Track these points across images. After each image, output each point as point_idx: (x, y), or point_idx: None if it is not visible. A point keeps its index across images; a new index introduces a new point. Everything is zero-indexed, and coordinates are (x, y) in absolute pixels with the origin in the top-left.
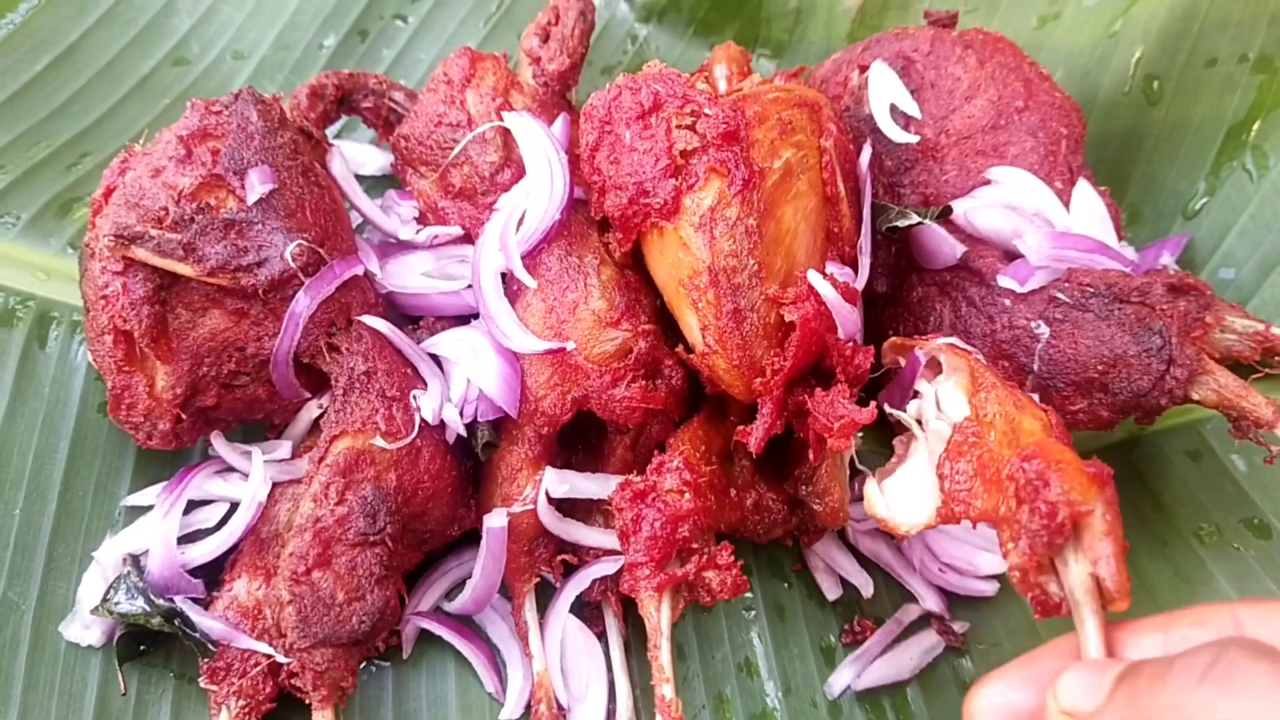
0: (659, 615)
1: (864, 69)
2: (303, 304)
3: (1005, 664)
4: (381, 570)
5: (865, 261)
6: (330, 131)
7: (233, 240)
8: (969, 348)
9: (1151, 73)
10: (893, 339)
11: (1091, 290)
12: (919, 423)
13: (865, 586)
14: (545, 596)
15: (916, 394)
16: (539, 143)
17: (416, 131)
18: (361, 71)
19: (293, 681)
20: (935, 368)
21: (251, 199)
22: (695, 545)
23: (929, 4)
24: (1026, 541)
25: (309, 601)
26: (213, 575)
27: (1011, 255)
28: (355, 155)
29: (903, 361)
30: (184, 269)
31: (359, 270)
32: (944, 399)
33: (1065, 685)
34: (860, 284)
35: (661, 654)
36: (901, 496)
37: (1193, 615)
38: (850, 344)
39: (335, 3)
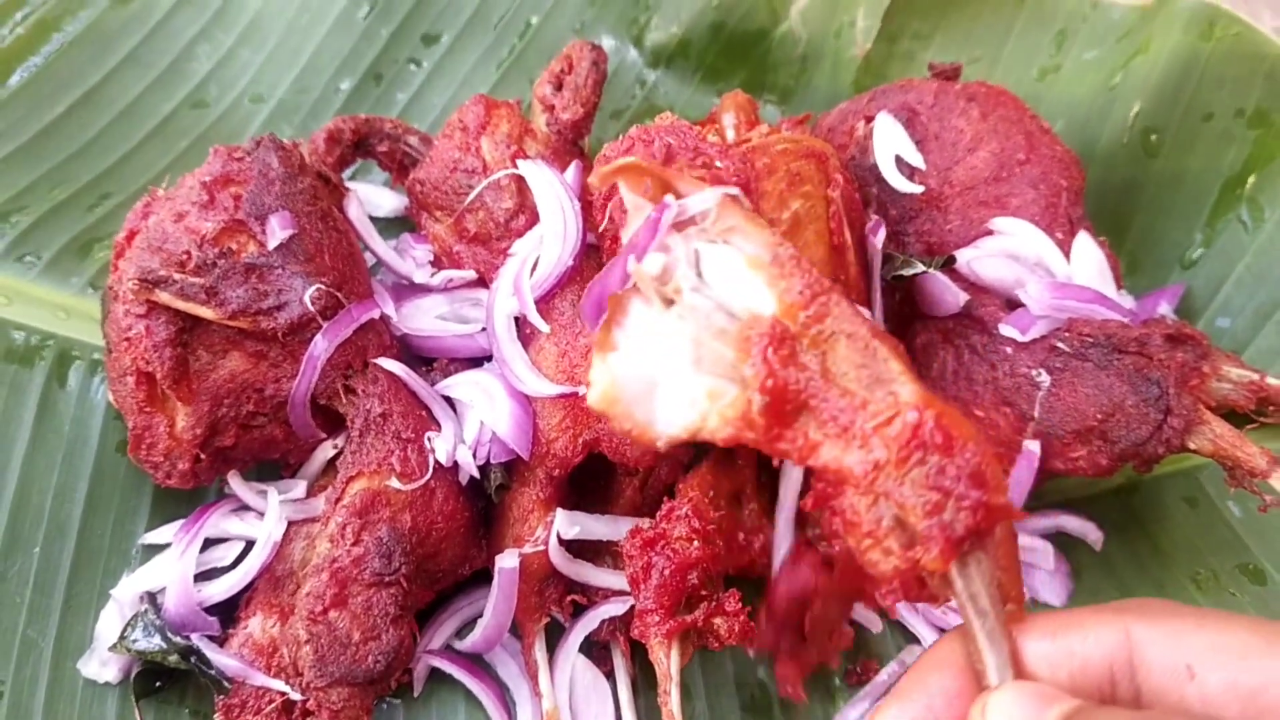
0: (669, 661)
1: (869, 119)
2: (320, 347)
3: (899, 685)
4: (396, 610)
5: (878, 316)
6: (345, 174)
7: (253, 284)
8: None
9: (1150, 126)
10: (622, 163)
11: (1091, 340)
12: (668, 294)
13: (874, 624)
14: (554, 636)
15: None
16: (552, 190)
17: (432, 177)
18: (377, 116)
19: (309, 719)
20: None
21: (272, 244)
22: (704, 592)
23: (933, 55)
24: (942, 542)
25: (326, 641)
26: (227, 613)
27: (1013, 304)
28: (370, 197)
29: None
30: (206, 312)
31: (375, 314)
32: (710, 266)
33: (1000, 712)
34: None
35: (671, 700)
36: (634, 385)
37: (1082, 626)
38: None
39: (351, 47)
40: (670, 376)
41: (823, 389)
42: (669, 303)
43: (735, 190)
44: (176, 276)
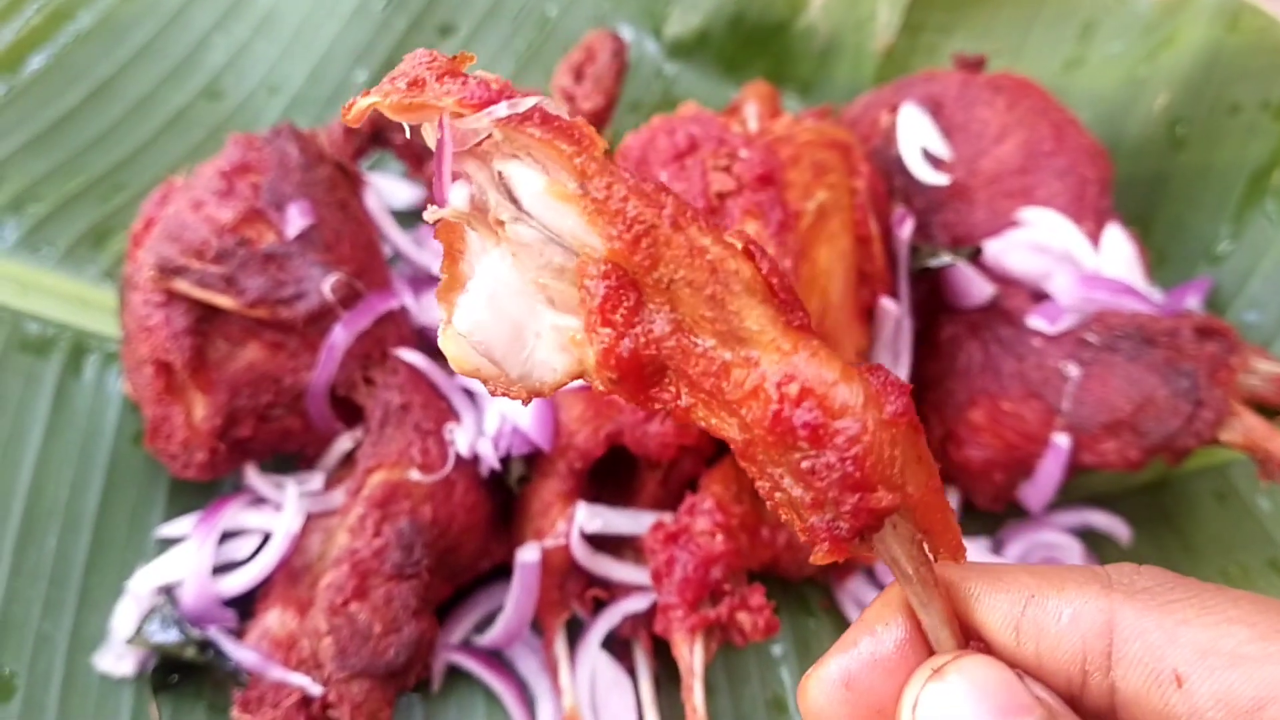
0: (692, 657)
1: (894, 110)
2: (340, 337)
3: (846, 634)
4: (417, 603)
5: (908, 325)
6: (362, 165)
7: (272, 273)
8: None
9: (1176, 118)
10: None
11: (1121, 332)
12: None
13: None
14: (574, 632)
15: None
16: None
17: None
18: None
19: (329, 713)
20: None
21: (291, 233)
22: (728, 587)
23: (956, 48)
24: (827, 542)
25: (347, 633)
26: (244, 606)
27: (1040, 296)
28: (386, 189)
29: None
30: (225, 301)
31: (395, 304)
32: (522, 190)
33: (934, 709)
34: (906, 339)
35: (695, 695)
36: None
37: (1061, 593)
38: None
39: (367, 39)
40: (530, 320)
41: (678, 351)
42: (497, 236)
43: (530, 102)
44: (195, 265)
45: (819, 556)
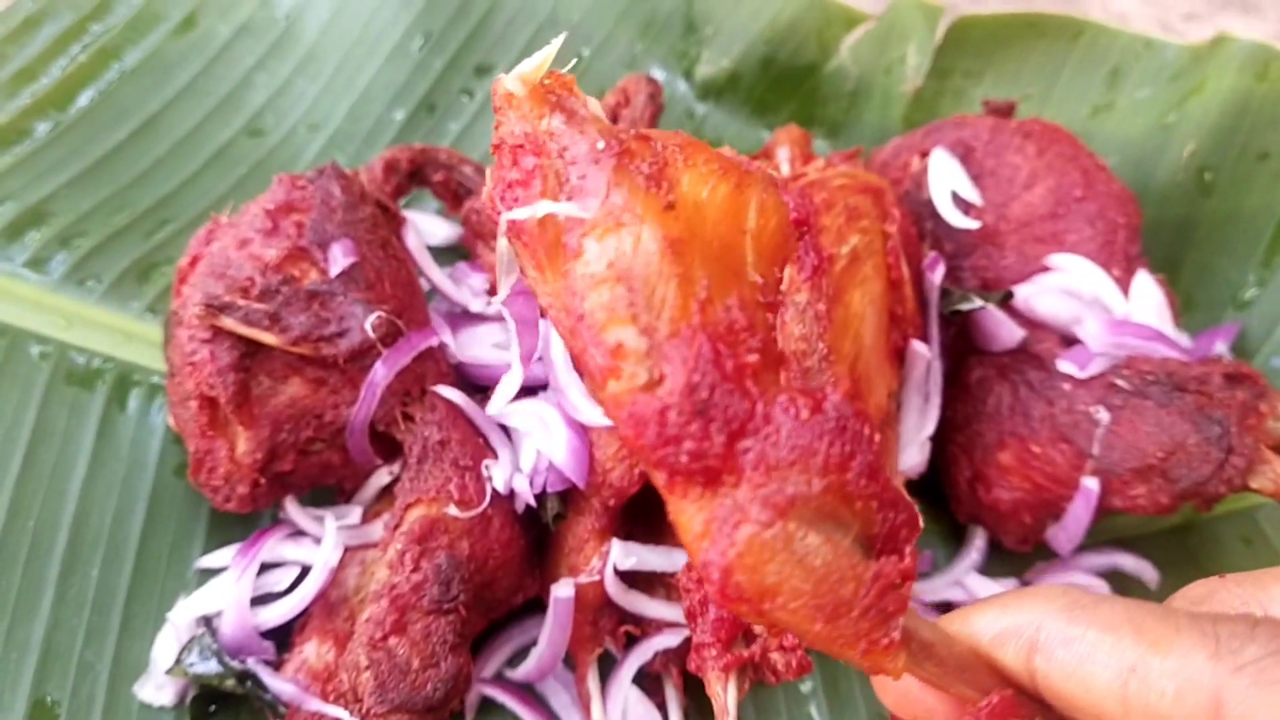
0: (726, 695)
1: (924, 154)
2: (380, 374)
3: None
4: (455, 638)
5: (938, 367)
6: (400, 203)
7: (315, 311)
8: None
9: (1204, 165)
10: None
11: (1152, 378)
12: None
13: None
14: (605, 667)
15: None
16: None
17: (488, 206)
18: (433, 145)
19: None
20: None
21: (334, 271)
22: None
23: (984, 92)
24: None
25: (386, 668)
26: (281, 639)
27: (1069, 341)
28: (423, 226)
29: None
30: (269, 338)
31: (434, 341)
32: None
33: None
34: (936, 381)
35: None
36: None
37: (1164, 652)
38: None
39: (405, 79)
40: None
41: None
42: None
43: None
44: (240, 303)
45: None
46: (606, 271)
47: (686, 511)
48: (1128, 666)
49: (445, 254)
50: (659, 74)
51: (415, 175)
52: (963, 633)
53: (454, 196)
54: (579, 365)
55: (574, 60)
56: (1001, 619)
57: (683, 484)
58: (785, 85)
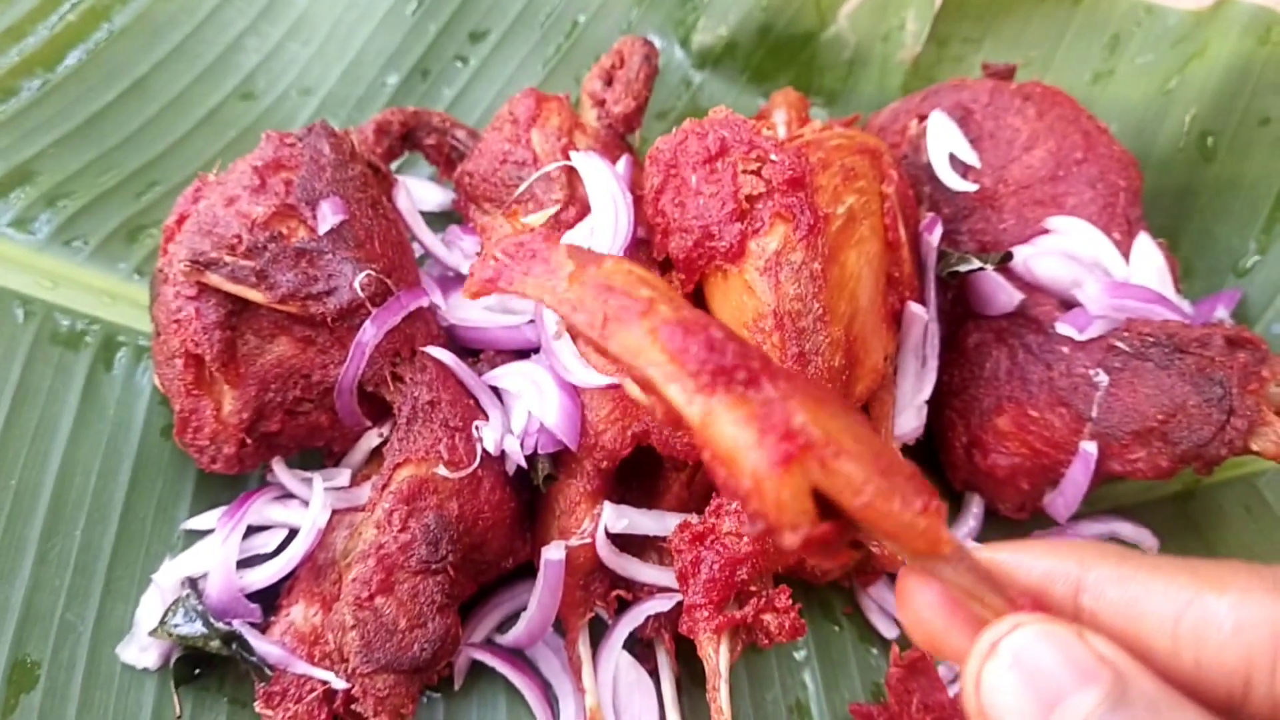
0: (718, 657)
1: (922, 118)
2: (369, 333)
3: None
4: (443, 598)
5: (935, 330)
6: (391, 167)
7: (303, 269)
8: None
9: (1206, 130)
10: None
11: (1152, 339)
12: None
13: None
14: (596, 632)
15: None
16: (605, 182)
17: (481, 169)
18: (425, 109)
19: (353, 707)
20: None
21: (323, 229)
22: (754, 588)
23: (983, 59)
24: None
25: (372, 627)
26: (267, 601)
27: (1068, 304)
28: (415, 191)
29: None
30: (256, 295)
31: (424, 302)
32: None
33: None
34: (933, 343)
35: (720, 696)
36: None
37: (1221, 589)
38: None
39: (399, 43)
40: None
41: None
42: None
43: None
44: (227, 259)
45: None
46: None
47: (722, 421)
48: (1184, 602)
49: (438, 219)
50: (655, 41)
51: (407, 138)
52: (1007, 563)
53: (447, 161)
54: None
55: (569, 26)
56: (1049, 557)
57: (725, 383)
58: (782, 53)
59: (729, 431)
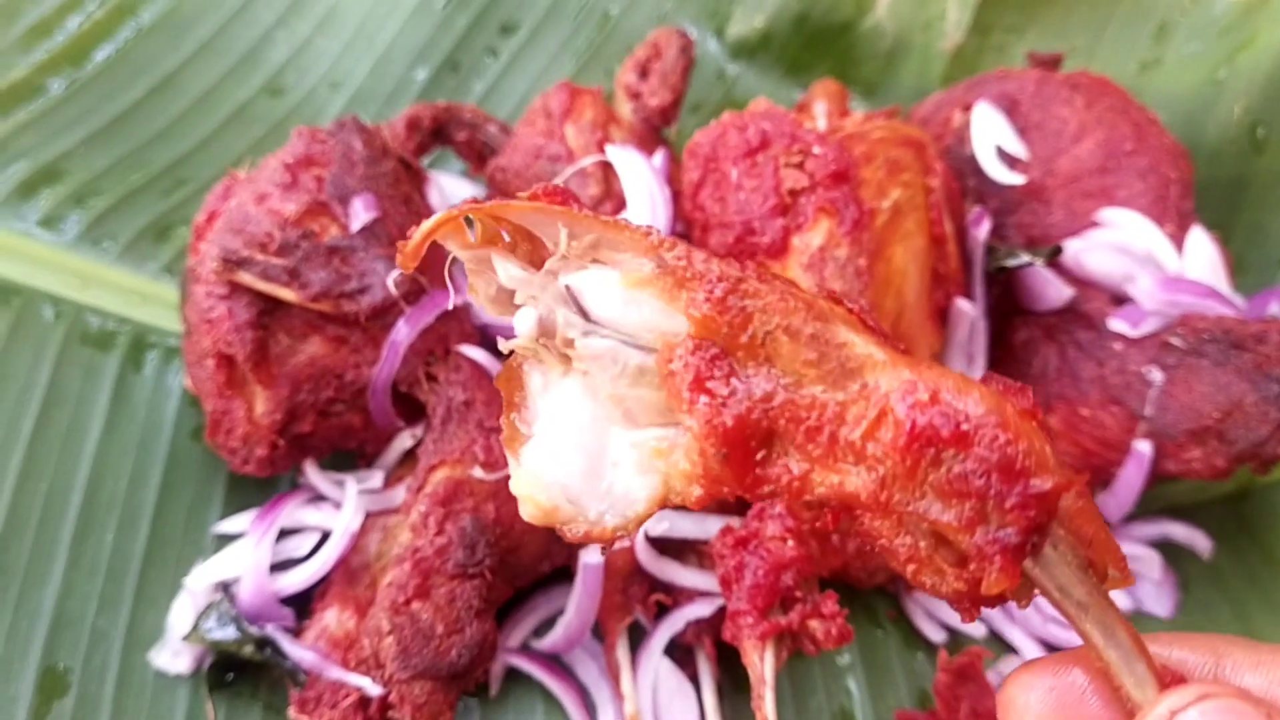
0: (763, 664)
1: (967, 109)
2: (403, 332)
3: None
4: (480, 603)
5: (983, 327)
6: (422, 163)
7: (336, 267)
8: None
9: (1257, 120)
10: (431, 224)
11: (1207, 336)
12: (547, 349)
13: (976, 629)
14: (635, 638)
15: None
16: (641, 176)
17: (514, 163)
18: (456, 103)
19: (389, 714)
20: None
21: (355, 226)
22: (799, 593)
23: (1027, 48)
24: (998, 559)
25: (409, 632)
26: (301, 605)
27: (1120, 300)
28: (446, 186)
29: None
30: (288, 294)
31: (459, 300)
32: (593, 299)
33: None
34: (981, 341)
35: (766, 704)
36: (569, 475)
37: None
38: None
39: (428, 37)
40: (605, 447)
41: (784, 408)
42: (567, 359)
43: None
44: (259, 257)
45: (991, 584)
46: None
47: (879, 366)
48: None
49: None
50: (690, 32)
51: (438, 133)
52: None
53: (478, 156)
54: None
55: (601, 18)
56: (1180, 648)
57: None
58: (819, 44)
59: None
